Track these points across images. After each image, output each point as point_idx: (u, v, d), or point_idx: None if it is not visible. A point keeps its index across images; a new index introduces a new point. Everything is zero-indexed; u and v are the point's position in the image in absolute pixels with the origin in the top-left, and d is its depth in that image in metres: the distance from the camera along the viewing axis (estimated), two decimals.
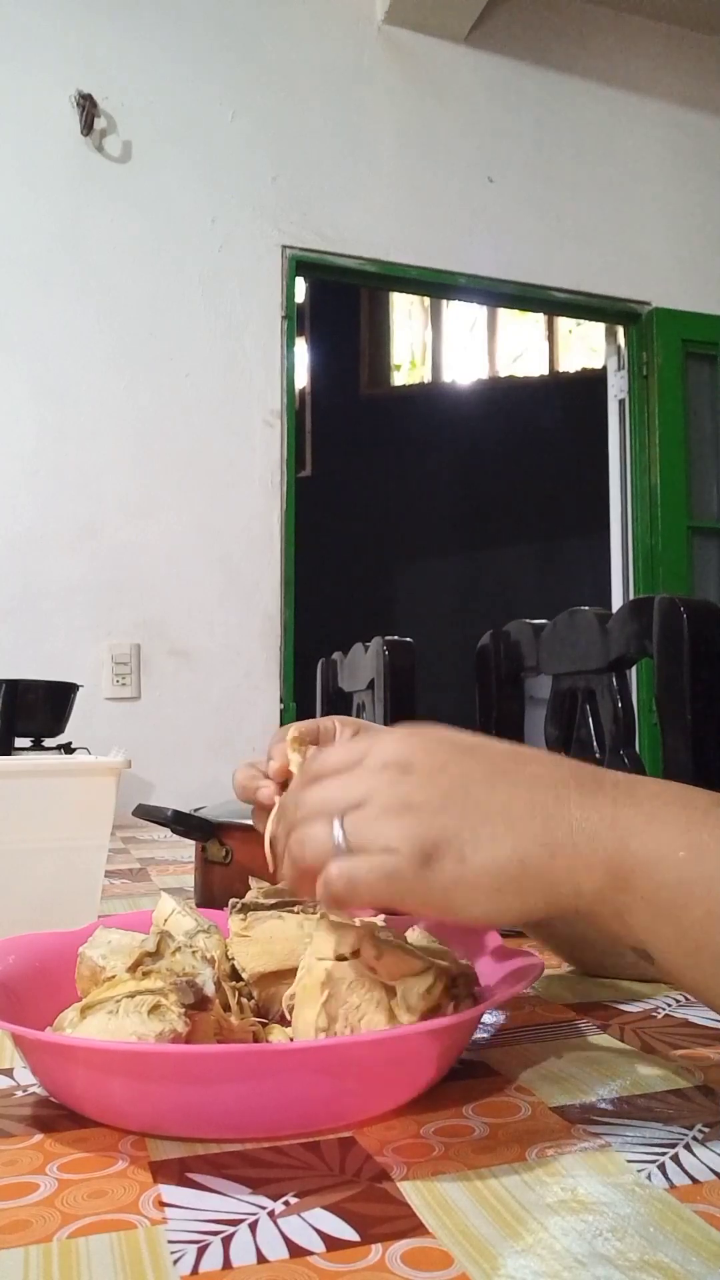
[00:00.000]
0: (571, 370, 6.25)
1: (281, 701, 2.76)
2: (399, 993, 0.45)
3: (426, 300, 6.28)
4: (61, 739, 2.31)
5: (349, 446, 6.12)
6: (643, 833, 0.40)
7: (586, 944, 0.64)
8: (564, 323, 6.01)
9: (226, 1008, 0.47)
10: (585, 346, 6.09)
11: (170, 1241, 0.33)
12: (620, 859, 0.39)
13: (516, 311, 4.91)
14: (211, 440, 2.74)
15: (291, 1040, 0.47)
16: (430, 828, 0.40)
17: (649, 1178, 0.37)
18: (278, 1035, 0.49)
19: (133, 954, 0.46)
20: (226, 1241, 0.33)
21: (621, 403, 3.31)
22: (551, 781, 0.42)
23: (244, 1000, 0.50)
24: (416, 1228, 0.34)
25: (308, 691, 2.07)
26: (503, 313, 6.27)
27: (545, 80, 3.19)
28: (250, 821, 0.55)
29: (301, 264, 2.88)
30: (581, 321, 4.19)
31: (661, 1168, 0.38)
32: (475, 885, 0.40)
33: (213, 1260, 0.32)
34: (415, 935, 0.53)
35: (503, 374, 6.51)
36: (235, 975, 0.52)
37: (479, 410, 6.29)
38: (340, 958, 0.46)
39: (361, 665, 1.58)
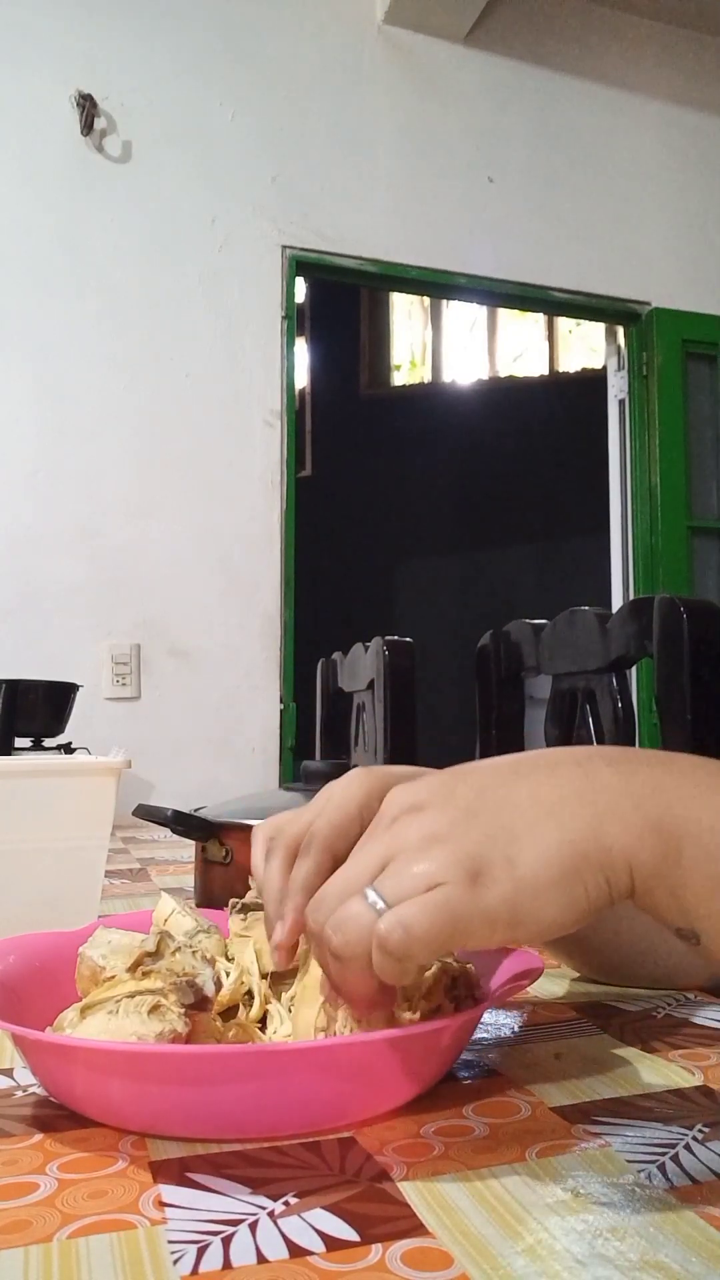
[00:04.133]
0: (571, 370, 6.25)
1: (281, 701, 2.76)
2: (399, 992, 0.45)
3: (426, 300, 6.28)
4: (61, 739, 2.31)
5: (349, 446, 6.11)
6: (688, 800, 0.37)
7: (607, 950, 0.63)
8: (564, 323, 6.01)
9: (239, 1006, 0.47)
10: (585, 346, 6.09)
11: (170, 1241, 0.33)
12: (668, 825, 0.37)
13: (516, 311, 4.91)
14: (211, 440, 2.74)
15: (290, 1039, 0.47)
16: (467, 845, 0.37)
17: (649, 1178, 0.37)
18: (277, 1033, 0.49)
19: (133, 954, 0.46)
20: (226, 1241, 0.33)
21: (621, 403, 3.31)
22: (573, 760, 0.39)
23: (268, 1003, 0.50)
24: (416, 1228, 0.34)
25: (308, 691, 2.07)
26: (503, 313, 6.27)
27: (545, 80, 3.19)
28: (249, 821, 0.55)
29: (301, 264, 2.88)
30: (581, 321, 4.19)
31: (661, 1168, 0.38)
32: (535, 885, 0.37)
33: (213, 1260, 0.32)
34: None
35: (503, 374, 6.51)
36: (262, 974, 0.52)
37: (479, 410, 6.29)
38: None
39: (361, 665, 1.58)
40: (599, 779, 0.38)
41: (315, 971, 0.46)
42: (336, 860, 0.47)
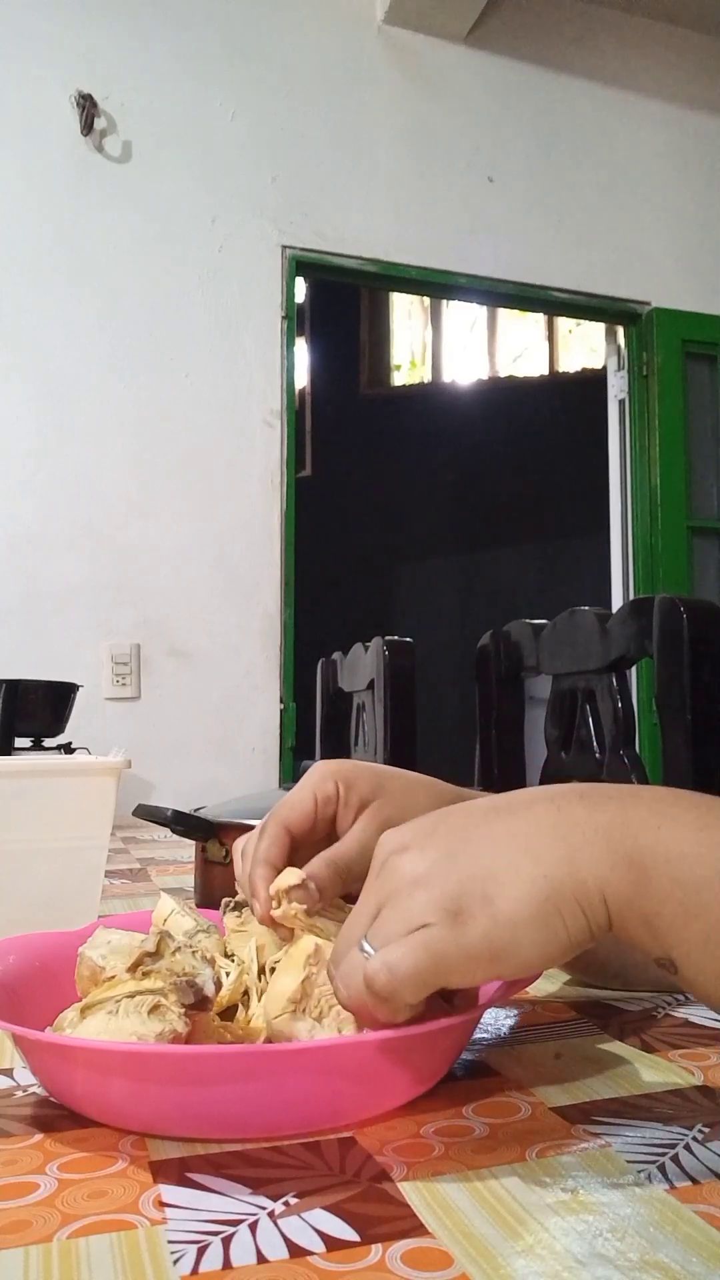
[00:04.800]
0: (571, 370, 6.25)
1: (281, 701, 2.76)
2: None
3: (426, 300, 6.28)
4: (61, 739, 2.31)
5: (349, 446, 6.12)
6: (657, 830, 0.39)
7: (608, 956, 0.63)
8: (564, 323, 6.01)
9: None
10: (585, 346, 6.09)
11: (170, 1241, 0.33)
12: (639, 856, 0.38)
13: (516, 311, 4.91)
14: (211, 440, 2.74)
15: (260, 1002, 0.47)
16: (447, 886, 0.39)
17: (649, 1178, 0.37)
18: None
19: (133, 954, 0.46)
20: (226, 1242, 0.33)
21: (621, 403, 3.31)
22: (547, 798, 0.41)
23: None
24: (416, 1228, 0.34)
25: (308, 691, 2.07)
26: (503, 313, 6.27)
27: (545, 80, 3.19)
28: (249, 821, 0.56)
29: (301, 264, 2.88)
30: (581, 321, 4.19)
31: (661, 1168, 0.38)
32: (514, 921, 0.38)
33: (213, 1260, 0.32)
34: None
35: (503, 374, 6.51)
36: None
37: (479, 410, 6.29)
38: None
39: (361, 665, 1.58)
40: (571, 814, 0.40)
41: (303, 944, 0.46)
42: (291, 835, 0.52)
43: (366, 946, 0.40)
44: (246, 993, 0.51)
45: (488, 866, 0.39)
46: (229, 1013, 0.50)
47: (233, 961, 0.52)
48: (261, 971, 0.51)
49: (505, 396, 6.33)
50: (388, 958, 0.39)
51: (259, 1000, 0.50)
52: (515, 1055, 0.51)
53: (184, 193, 2.76)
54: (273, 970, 0.51)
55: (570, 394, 5.84)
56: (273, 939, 0.52)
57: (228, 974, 0.51)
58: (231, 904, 0.55)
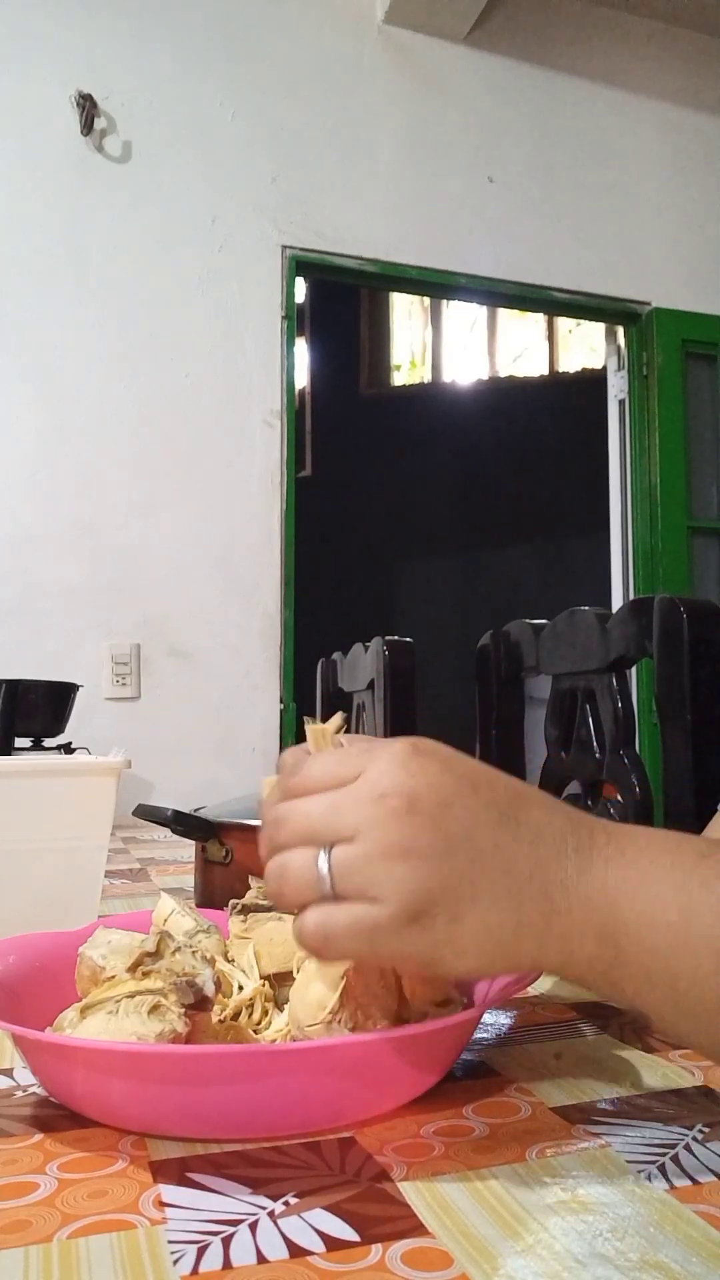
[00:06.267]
0: (571, 370, 6.25)
1: (281, 701, 2.76)
2: (412, 1016, 0.45)
3: (426, 300, 6.28)
4: (61, 739, 2.31)
5: (349, 446, 6.11)
6: (633, 896, 0.38)
7: None
8: (564, 323, 6.01)
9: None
10: (585, 346, 6.09)
11: (170, 1241, 0.33)
12: (611, 926, 0.38)
13: (516, 311, 4.91)
14: (211, 440, 2.74)
15: (285, 1006, 0.46)
16: (429, 879, 0.37)
17: (649, 1178, 0.37)
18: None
19: (133, 954, 0.46)
20: (226, 1241, 0.33)
21: (621, 403, 3.31)
22: (551, 836, 0.39)
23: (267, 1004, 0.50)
24: (416, 1228, 0.34)
25: (308, 691, 2.07)
26: (503, 313, 6.27)
27: (545, 80, 3.19)
28: (249, 821, 0.55)
29: (301, 264, 2.88)
30: (581, 321, 4.19)
31: (661, 1168, 0.38)
32: (464, 948, 0.38)
33: (213, 1260, 0.32)
34: None
35: (503, 374, 6.50)
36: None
37: (479, 410, 6.29)
38: None
39: (361, 665, 1.58)
40: (563, 871, 0.38)
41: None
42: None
43: (324, 867, 0.38)
44: (251, 1000, 0.51)
45: (474, 881, 0.38)
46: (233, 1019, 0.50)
47: (233, 965, 0.52)
48: (265, 979, 0.51)
49: (505, 396, 6.33)
50: (328, 925, 0.38)
51: (272, 1005, 0.50)
52: (515, 1055, 0.51)
53: (184, 193, 2.76)
54: (275, 975, 0.51)
55: (570, 394, 5.83)
56: (272, 949, 0.52)
57: (240, 987, 0.51)
58: (239, 906, 0.55)
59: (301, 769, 0.41)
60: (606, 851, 0.39)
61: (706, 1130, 0.42)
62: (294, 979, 0.48)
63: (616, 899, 0.38)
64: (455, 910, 0.37)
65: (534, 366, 6.42)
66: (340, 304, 6.37)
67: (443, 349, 6.62)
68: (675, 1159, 0.39)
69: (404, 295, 6.21)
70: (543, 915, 0.38)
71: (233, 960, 0.52)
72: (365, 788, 0.38)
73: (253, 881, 0.58)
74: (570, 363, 6.30)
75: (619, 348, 3.33)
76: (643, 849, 0.39)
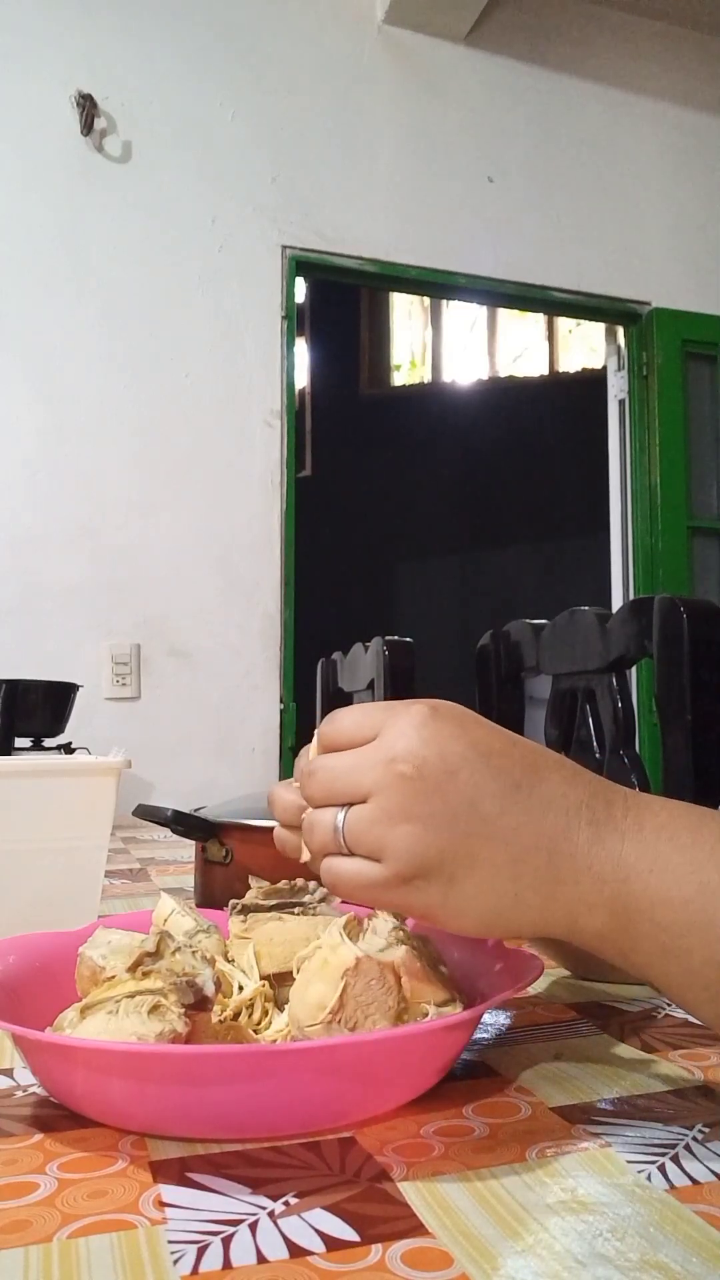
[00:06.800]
0: (571, 370, 6.25)
1: (281, 701, 2.76)
2: (412, 1016, 0.45)
3: (426, 300, 6.28)
4: (61, 739, 2.31)
5: (349, 446, 6.11)
6: (648, 874, 0.38)
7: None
8: (564, 323, 6.01)
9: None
10: (585, 346, 6.09)
11: (170, 1241, 0.33)
12: (624, 901, 0.38)
13: (516, 311, 4.91)
14: (211, 440, 2.74)
15: (283, 1006, 0.46)
16: (428, 845, 0.38)
17: (649, 1178, 0.37)
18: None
19: (133, 954, 0.46)
20: (226, 1242, 0.33)
21: (621, 403, 3.31)
22: (564, 806, 0.39)
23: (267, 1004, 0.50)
24: (416, 1228, 0.34)
25: (308, 691, 2.07)
26: (503, 313, 6.27)
27: (545, 80, 3.19)
28: (250, 821, 0.55)
29: (301, 264, 2.88)
30: (581, 321, 4.19)
31: (661, 1168, 0.38)
32: (461, 911, 0.39)
33: (213, 1260, 0.32)
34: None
35: (503, 374, 6.51)
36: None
37: (479, 410, 6.29)
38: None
39: (361, 665, 1.58)
40: (573, 842, 0.39)
41: (343, 953, 0.45)
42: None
43: (340, 824, 0.41)
44: (251, 1000, 0.51)
45: (473, 848, 0.38)
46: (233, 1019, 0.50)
47: (233, 965, 0.52)
48: (265, 979, 0.51)
49: (505, 396, 6.34)
50: (337, 873, 0.41)
51: (272, 1005, 0.50)
52: (515, 1055, 0.51)
53: (184, 193, 2.76)
54: (276, 975, 0.51)
55: (570, 394, 5.84)
56: (272, 949, 0.51)
57: (240, 987, 0.51)
58: (239, 906, 0.54)
59: (336, 719, 0.44)
60: (623, 825, 0.39)
61: (706, 1130, 0.42)
62: (294, 979, 0.48)
63: (629, 875, 0.38)
64: (452, 875, 0.39)
65: (534, 366, 6.43)
66: (340, 304, 6.37)
67: (443, 349, 6.62)
68: (675, 1159, 0.39)
69: (404, 295, 6.22)
70: (546, 884, 0.38)
71: (233, 960, 0.52)
72: (380, 751, 0.40)
73: (253, 881, 0.57)
74: (570, 363, 6.31)
75: (619, 348, 3.33)
76: (664, 824, 0.39)
